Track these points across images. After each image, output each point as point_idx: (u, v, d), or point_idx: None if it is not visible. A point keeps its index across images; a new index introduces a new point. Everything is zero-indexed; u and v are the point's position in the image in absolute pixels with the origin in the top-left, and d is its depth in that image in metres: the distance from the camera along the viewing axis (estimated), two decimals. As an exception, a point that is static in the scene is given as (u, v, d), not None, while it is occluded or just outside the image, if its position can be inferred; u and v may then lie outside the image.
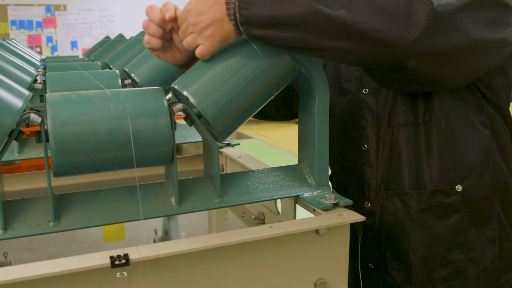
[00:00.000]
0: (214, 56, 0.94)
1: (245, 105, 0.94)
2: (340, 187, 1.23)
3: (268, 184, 1.03)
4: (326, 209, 0.96)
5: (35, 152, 1.39)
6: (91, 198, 0.93)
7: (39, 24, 7.52)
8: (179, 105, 0.91)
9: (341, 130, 1.16)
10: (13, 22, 7.39)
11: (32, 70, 1.66)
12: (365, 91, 1.10)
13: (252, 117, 1.00)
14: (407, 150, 1.04)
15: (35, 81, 1.60)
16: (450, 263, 1.03)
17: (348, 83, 1.14)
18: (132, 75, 1.48)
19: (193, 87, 0.92)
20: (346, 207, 0.98)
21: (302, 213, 1.04)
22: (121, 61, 1.91)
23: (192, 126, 0.98)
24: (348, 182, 1.19)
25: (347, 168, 1.17)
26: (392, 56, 0.83)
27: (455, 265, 1.03)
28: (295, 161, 1.10)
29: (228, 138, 1.49)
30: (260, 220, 1.24)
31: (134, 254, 0.76)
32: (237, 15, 0.84)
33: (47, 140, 0.82)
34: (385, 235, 1.09)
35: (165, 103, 0.89)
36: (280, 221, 1.14)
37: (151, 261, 0.78)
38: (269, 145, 6.40)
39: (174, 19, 0.92)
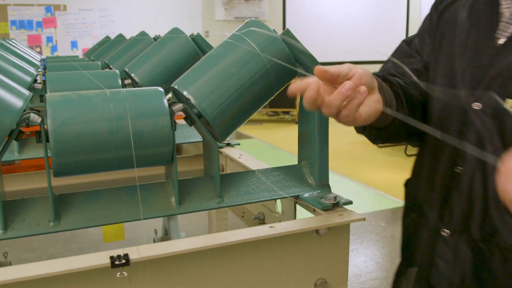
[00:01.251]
0: (214, 57, 0.94)
1: (245, 105, 0.94)
2: (414, 200, 1.08)
3: (268, 184, 1.03)
4: (326, 209, 0.96)
5: (35, 152, 1.39)
6: (91, 198, 0.93)
7: (39, 24, 7.52)
8: (179, 105, 0.91)
9: (436, 140, 0.98)
10: (13, 22, 7.39)
11: (32, 70, 1.66)
12: (477, 106, 0.88)
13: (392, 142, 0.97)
14: None
15: (35, 81, 1.61)
16: None
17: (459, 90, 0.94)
18: (132, 75, 1.48)
19: (193, 87, 0.92)
20: (346, 207, 0.98)
21: (302, 213, 1.04)
22: (121, 61, 1.91)
23: (192, 126, 0.98)
24: (427, 199, 1.01)
25: (431, 185, 0.99)
26: None
27: None
28: (295, 161, 1.10)
29: (228, 138, 1.49)
30: (260, 220, 1.24)
31: (134, 254, 0.76)
32: None
33: (47, 140, 0.82)
34: (462, 276, 0.91)
35: (165, 103, 0.89)
36: (280, 221, 1.14)
37: (151, 261, 0.78)
38: (269, 145, 6.40)
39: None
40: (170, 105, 0.90)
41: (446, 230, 0.94)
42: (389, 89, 0.91)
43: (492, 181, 0.81)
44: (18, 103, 0.83)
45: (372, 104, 0.78)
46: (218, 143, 0.97)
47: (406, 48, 1.08)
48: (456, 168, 0.91)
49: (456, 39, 0.96)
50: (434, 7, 1.09)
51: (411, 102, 0.96)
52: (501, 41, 0.88)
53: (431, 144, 1.00)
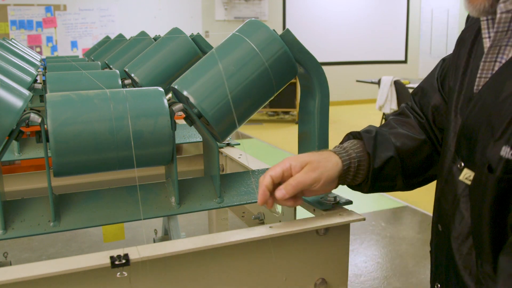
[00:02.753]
0: (214, 56, 0.94)
1: (245, 105, 0.94)
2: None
3: (268, 184, 1.03)
4: (326, 209, 0.96)
5: (35, 152, 1.39)
6: (91, 198, 0.93)
7: (39, 24, 7.52)
8: (179, 105, 0.91)
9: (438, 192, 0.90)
10: (13, 22, 7.39)
11: (32, 70, 1.66)
12: (460, 166, 0.79)
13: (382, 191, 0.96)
14: None
15: (35, 81, 1.60)
16: None
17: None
18: (132, 75, 1.48)
19: (193, 87, 0.92)
20: (346, 207, 0.98)
21: (302, 213, 1.04)
22: (121, 61, 1.91)
23: (192, 126, 0.98)
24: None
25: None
26: None
27: None
28: (295, 161, 1.10)
29: (228, 138, 1.49)
30: (260, 220, 1.24)
31: (134, 254, 0.76)
32: None
33: (47, 140, 0.82)
34: None
35: (165, 103, 0.89)
36: (280, 221, 1.14)
37: (151, 261, 0.78)
38: (269, 145, 6.41)
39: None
40: (170, 105, 0.90)
41: None
42: (358, 155, 0.91)
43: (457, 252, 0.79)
44: (18, 103, 0.83)
45: (320, 190, 0.88)
46: (218, 143, 0.97)
47: (431, 80, 1.01)
48: (438, 226, 0.86)
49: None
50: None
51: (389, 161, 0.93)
52: (475, 89, 0.78)
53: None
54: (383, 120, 6.47)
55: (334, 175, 0.88)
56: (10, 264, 1.14)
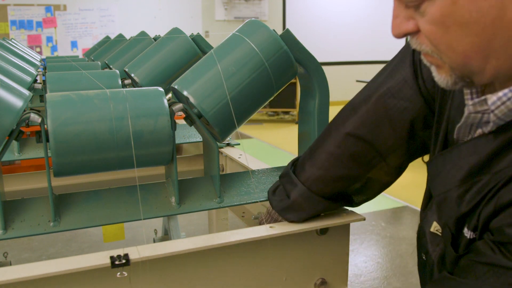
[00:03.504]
0: (214, 56, 0.94)
1: (245, 105, 0.94)
2: None
3: (268, 184, 1.03)
4: (326, 209, 0.96)
5: (35, 152, 1.39)
6: (91, 198, 0.93)
7: (39, 24, 7.52)
8: (179, 105, 0.91)
9: None
10: (13, 22, 7.39)
11: (32, 70, 1.66)
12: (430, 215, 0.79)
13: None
14: None
15: (35, 81, 1.60)
16: None
17: None
18: (132, 75, 1.48)
19: (193, 87, 0.92)
20: (346, 207, 0.98)
21: (302, 213, 1.04)
22: (121, 61, 1.91)
23: (192, 126, 0.98)
24: None
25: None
26: None
27: None
28: (295, 161, 1.10)
29: (228, 138, 1.49)
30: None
31: (134, 254, 0.76)
32: None
33: (47, 140, 0.82)
34: None
35: (165, 103, 0.89)
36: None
37: (151, 261, 0.78)
38: (269, 145, 6.41)
39: None
40: (170, 105, 0.90)
41: None
42: None
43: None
44: (18, 103, 0.83)
45: None
46: (218, 143, 0.97)
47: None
48: (422, 255, 0.83)
49: None
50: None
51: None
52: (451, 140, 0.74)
53: None
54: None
55: None
56: (10, 264, 1.14)
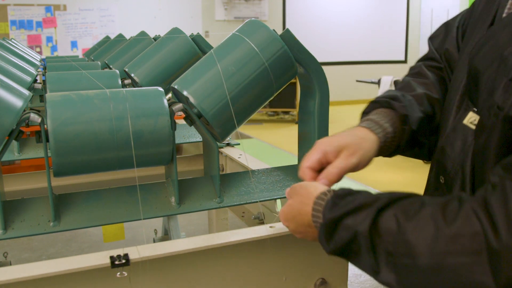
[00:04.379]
0: (214, 56, 0.94)
1: (245, 105, 0.94)
2: None
3: (268, 184, 1.03)
4: (326, 209, 0.96)
5: (35, 152, 1.39)
6: (91, 198, 0.93)
7: (39, 24, 7.52)
8: (179, 105, 0.91)
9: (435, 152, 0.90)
10: (13, 22, 7.39)
11: (32, 70, 1.66)
12: (466, 108, 0.78)
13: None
14: None
15: (35, 81, 1.60)
16: None
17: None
18: (132, 75, 1.48)
19: (193, 87, 0.92)
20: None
21: (302, 213, 1.04)
22: (121, 61, 1.91)
23: (192, 126, 0.98)
24: None
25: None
26: None
27: None
28: (295, 161, 1.10)
29: (228, 138, 1.49)
30: (260, 220, 1.24)
31: (134, 254, 0.76)
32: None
33: (47, 140, 0.82)
34: None
35: (165, 103, 0.89)
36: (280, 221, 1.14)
37: (151, 261, 0.78)
38: (269, 145, 6.40)
39: None
40: (170, 105, 0.90)
41: None
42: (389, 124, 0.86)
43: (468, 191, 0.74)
44: (18, 103, 0.83)
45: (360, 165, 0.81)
46: (218, 143, 0.97)
47: (430, 47, 0.99)
48: (440, 178, 0.81)
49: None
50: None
51: (419, 123, 0.88)
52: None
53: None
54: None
55: (373, 154, 0.82)
56: (10, 264, 1.14)
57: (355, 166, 0.79)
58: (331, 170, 0.78)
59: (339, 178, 0.78)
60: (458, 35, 0.92)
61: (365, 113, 0.90)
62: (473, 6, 0.88)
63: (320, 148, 0.79)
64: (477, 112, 0.71)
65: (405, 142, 0.86)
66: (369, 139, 0.82)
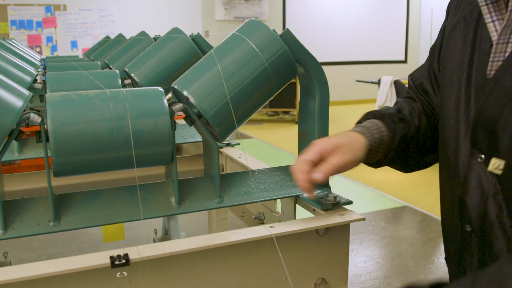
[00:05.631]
0: (214, 56, 0.94)
1: (245, 105, 0.94)
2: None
3: (268, 184, 1.03)
4: (326, 209, 0.96)
5: (35, 152, 1.39)
6: (91, 198, 0.93)
7: (39, 24, 7.52)
8: (179, 105, 0.91)
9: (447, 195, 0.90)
10: (13, 22, 7.39)
11: (32, 70, 1.66)
12: (480, 159, 0.77)
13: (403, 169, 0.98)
14: None
15: (35, 81, 1.60)
16: None
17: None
18: (132, 75, 1.48)
19: (193, 87, 0.92)
20: (346, 207, 0.98)
21: (302, 213, 1.04)
22: (121, 61, 1.91)
23: (192, 126, 0.98)
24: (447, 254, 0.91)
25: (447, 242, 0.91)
26: None
27: None
28: (295, 161, 1.10)
29: (228, 138, 1.49)
30: (260, 220, 1.24)
31: (134, 254, 0.76)
32: None
33: (47, 140, 0.82)
34: None
35: (165, 103, 0.89)
36: (280, 221, 1.14)
37: (151, 261, 0.78)
38: (269, 145, 6.40)
39: None
40: (170, 105, 0.90)
41: None
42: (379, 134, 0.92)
43: (501, 241, 0.73)
44: (18, 103, 0.83)
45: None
46: (218, 143, 0.97)
47: (428, 59, 1.02)
48: (466, 227, 0.80)
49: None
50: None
51: (407, 141, 0.95)
52: (488, 74, 0.76)
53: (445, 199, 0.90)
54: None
55: (363, 155, 0.89)
56: (10, 264, 1.14)
57: (348, 164, 0.86)
58: (327, 166, 0.85)
59: (333, 173, 0.86)
60: (429, 71, 0.98)
61: (358, 123, 0.98)
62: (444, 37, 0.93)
63: (318, 145, 0.86)
64: (501, 157, 0.72)
65: (392, 152, 0.93)
66: (359, 141, 0.89)
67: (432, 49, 0.98)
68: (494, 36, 0.75)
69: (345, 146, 0.86)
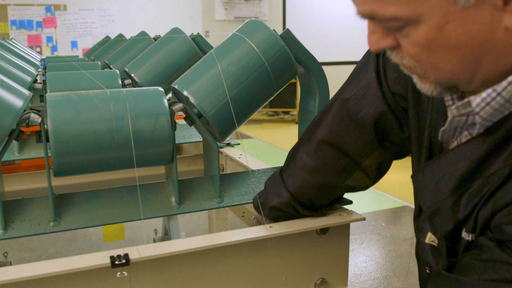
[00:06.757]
0: (214, 56, 0.94)
1: (245, 105, 0.94)
2: None
3: (268, 184, 1.03)
4: (326, 209, 0.96)
5: (35, 152, 1.39)
6: (91, 198, 0.93)
7: (39, 24, 7.52)
8: (179, 105, 0.91)
9: None
10: (13, 22, 7.39)
11: (32, 70, 1.66)
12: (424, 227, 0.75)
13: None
14: None
15: (35, 81, 1.60)
16: None
17: None
18: (132, 75, 1.48)
19: (193, 87, 0.92)
20: (346, 207, 0.98)
21: (302, 213, 1.04)
22: (121, 61, 1.91)
23: (192, 126, 0.98)
24: None
25: None
26: None
27: None
28: (295, 161, 1.09)
29: (228, 138, 1.49)
30: (260, 220, 1.24)
31: (134, 254, 0.76)
32: None
33: (47, 140, 0.82)
34: None
35: (165, 103, 0.89)
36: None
37: (151, 261, 0.78)
38: (269, 145, 6.41)
39: None
40: (170, 105, 0.90)
41: None
42: None
43: None
44: (18, 103, 0.83)
45: None
46: (218, 143, 0.97)
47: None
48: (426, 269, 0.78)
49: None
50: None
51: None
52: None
53: None
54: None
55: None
56: (10, 264, 1.14)
57: None
58: None
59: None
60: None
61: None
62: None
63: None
64: (435, 235, 0.70)
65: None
66: None
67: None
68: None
69: None
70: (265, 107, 6.53)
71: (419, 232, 0.76)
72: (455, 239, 0.66)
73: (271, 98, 0.98)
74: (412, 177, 0.74)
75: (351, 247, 1.03)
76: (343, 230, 0.94)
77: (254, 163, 1.28)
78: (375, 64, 0.82)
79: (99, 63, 1.94)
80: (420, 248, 0.76)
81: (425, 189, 0.70)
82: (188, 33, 1.54)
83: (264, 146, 6.41)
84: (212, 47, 1.17)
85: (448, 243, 0.67)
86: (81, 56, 3.31)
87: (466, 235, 0.64)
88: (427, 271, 0.76)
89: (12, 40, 2.89)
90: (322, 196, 0.92)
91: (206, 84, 0.92)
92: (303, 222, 0.90)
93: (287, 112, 8.46)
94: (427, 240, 0.72)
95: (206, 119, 0.92)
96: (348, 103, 0.85)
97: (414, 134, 0.77)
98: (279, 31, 0.96)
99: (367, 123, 0.84)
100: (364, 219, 0.93)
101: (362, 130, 0.84)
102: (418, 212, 0.76)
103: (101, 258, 0.75)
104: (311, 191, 0.90)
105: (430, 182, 0.68)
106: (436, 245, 0.70)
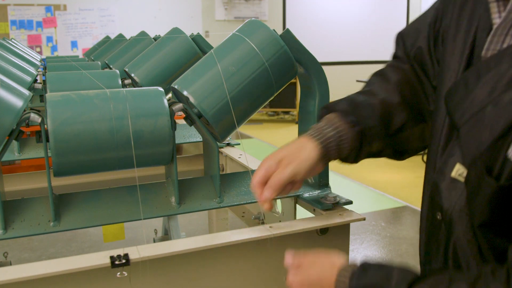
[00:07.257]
0: (214, 56, 0.94)
1: (245, 105, 0.94)
2: None
3: (268, 184, 1.03)
4: (326, 209, 0.96)
5: (35, 152, 1.39)
6: (91, 198, 0.93)
7: (39, 24, 7.52)
8: (179, 105, 0.91)
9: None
10: (13, 22, 7.39)
11: (32, 70, 1.66)
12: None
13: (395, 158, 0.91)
14: None
15: (35, 81, 1.61)
16: None
17: None
18: (132, 75, 1.48)
19: (193, 87, 0.92)
20: (346, 207, 0.98)
21: (302, 213, 1.04)
22: (121, 61, 1.92)
23: (192, 126, 0.98)
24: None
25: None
26: None
27: None
28: (295, 161, 1.09)
29: (228, 138, 1.49)
30: (260, 220, 1.24)
31: (134, 254, 0.76)
32: None
33: (47, 140, 0.82)
34: None
35: (165, 103, 0.89)
36: (280, 221, 1.14)
37: (151, 261, 0.78)
38: (269, 145, 6.41)
39: None
40: (170, 105, 0.90)
41: None
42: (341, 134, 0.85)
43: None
44: (18, 103, 0.83)
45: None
46: (218, 143, 0.97)
47: (399, 45, 0.95)
48: (437, 214, 0.77)
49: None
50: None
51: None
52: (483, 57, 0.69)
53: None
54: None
55: (313, 161, 0.83)
56: (10, 264, 1.14)
57: (291, 176, 0.82)
58: (270, 182, 0.82)
59: (277, 190, 0.81)
60: (430, 35, 0.88)
61: (319, 117, 0.92)
62: (444, 5, 0.83)
63: (263, 164, 0.83)
64: (464, 165, 0.68)
65: (367, 141, 0.86)
66: (307, 147, 0.84)
67: (435, 10, 0.86)
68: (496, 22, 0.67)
69: (287, 157, 0.83)
70: (265, 107, 6.53)
71: (439, 170, 0.73)
72: (493, 163, 0.60)
73: (271, 98, 0.98)
74: (448, 91, 0.71)
75: (351, 247, 1.03)
76: (343, 230, 0.94)
77: (254, 163, 1.28)
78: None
79: (99, 63, 1.94)
80: (434, 192, 0.74)
81: (466, 98, 0.66)
82: (188, 33, 1.54)
83: (264, 146, 6.41)
84: (212, 47, 1.17)
85: (480, 170, 0.61)
86: (81, 56, 3.31)
87: None
88: (438, 217, 0.74)
89: (12, 40, 2.89)
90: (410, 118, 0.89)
91: (206, 84, 0.92)
92: (303, 222, 0.90)
93: (287, 112, 8.46)
94: (453, 174, 0.70)
95: (206, 119, 0.92)
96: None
97: (452, 46, 0.76)
98: (279, 31, 0.96)
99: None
100: (364, 219, 0.93)
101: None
102: (444, 144, 0.73)
103: (101, 258, 0.75)
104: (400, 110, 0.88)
105: (474, 88, 0.65)
106: (462, 180, 0.67)
